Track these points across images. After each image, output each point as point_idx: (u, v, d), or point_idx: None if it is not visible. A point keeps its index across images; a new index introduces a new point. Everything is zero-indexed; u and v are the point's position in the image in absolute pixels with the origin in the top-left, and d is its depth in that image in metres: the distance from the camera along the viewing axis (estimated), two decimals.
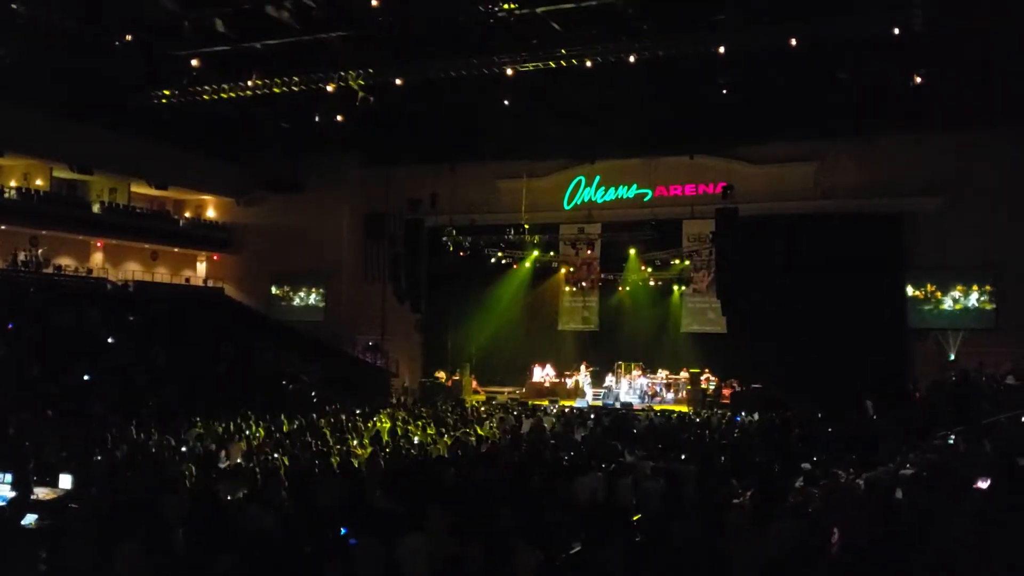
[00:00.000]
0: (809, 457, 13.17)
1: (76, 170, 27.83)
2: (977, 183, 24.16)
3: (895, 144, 24.93)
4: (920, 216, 25.24)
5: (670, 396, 27.13)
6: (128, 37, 20.93)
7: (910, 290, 25.61)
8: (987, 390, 19.52)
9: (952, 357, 24.62)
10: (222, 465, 13.29)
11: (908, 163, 24.93)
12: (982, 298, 24.97)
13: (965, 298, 25.17)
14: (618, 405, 25.38)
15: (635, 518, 9.68)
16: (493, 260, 29.07)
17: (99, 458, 12.89)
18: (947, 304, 25.43)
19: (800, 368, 24.09)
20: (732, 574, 7.04)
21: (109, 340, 23.38)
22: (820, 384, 22.71)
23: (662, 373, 27.95)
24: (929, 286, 25.56)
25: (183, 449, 14.35)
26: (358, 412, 20.56)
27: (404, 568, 7.33)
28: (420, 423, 18.69)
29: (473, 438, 16.55)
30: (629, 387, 27.33)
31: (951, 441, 14.04)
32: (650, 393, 27.16)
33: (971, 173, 24.24)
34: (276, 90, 22.87)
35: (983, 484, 8.96)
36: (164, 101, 23.79)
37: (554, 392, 27.68)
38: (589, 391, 27.15)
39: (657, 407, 25.19)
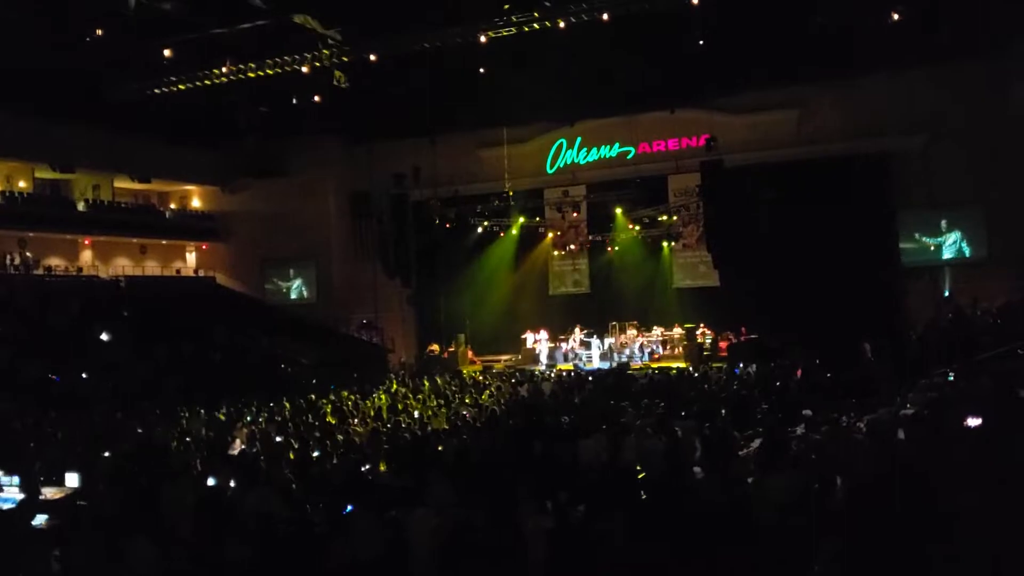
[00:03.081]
0: (809, 404, 13.24)
1: (58, 169, 27.57)
2: (960, 118, 24.04)
3: (876, 85, 24.77)
4: (906, 155, 25.16)
5: (639, 351, 27.08)
6: (98, 31, 20.68)
7: (900, 229, 25.63)
8: (983, 325, 19.58)
9: (946, 294, 24.70)
10: (227, 453, 13.32)
11: (891, 103, 24.73)
12: (972, 233, 25.02)
13: (955, 234, 25.23)
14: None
15: (639, 476, 9.73)
16: (480, 229, 29.10)
17: (106, 454, 12.89)
18: (938, 241, 25.50)
19: (796, 316, 23.98)
20: (741, 525, 7.10)
21: (103, 337, 23.31)
22: (817, 330, 22.72)
23: (657, 330, 28.01)
24: (919, 225, 25.61)
25: (187, 439, 14.38)
26: (357, 390, 20.62)
27: (412, 541, 7.39)
28: (420, 397, 18.76)
29: (473, 408, 16.61)
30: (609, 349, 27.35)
31: (950, 378, 14.10)
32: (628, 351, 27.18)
33: (954, 109, 24.11)
34: (251, 75, 22.67)
35: (974, 422, 8.99)
36: (140, 94, 23.56)
37: (551, 357, 27.78)
38: (596, 352, 27.19)
39: (655, 364, 25.34)
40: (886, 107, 24.80)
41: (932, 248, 25.62)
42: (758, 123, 26.67)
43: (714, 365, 23.26)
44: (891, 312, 24.65)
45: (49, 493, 10.52)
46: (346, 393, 19.90)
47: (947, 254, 25.46)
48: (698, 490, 8.02)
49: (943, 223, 25.33)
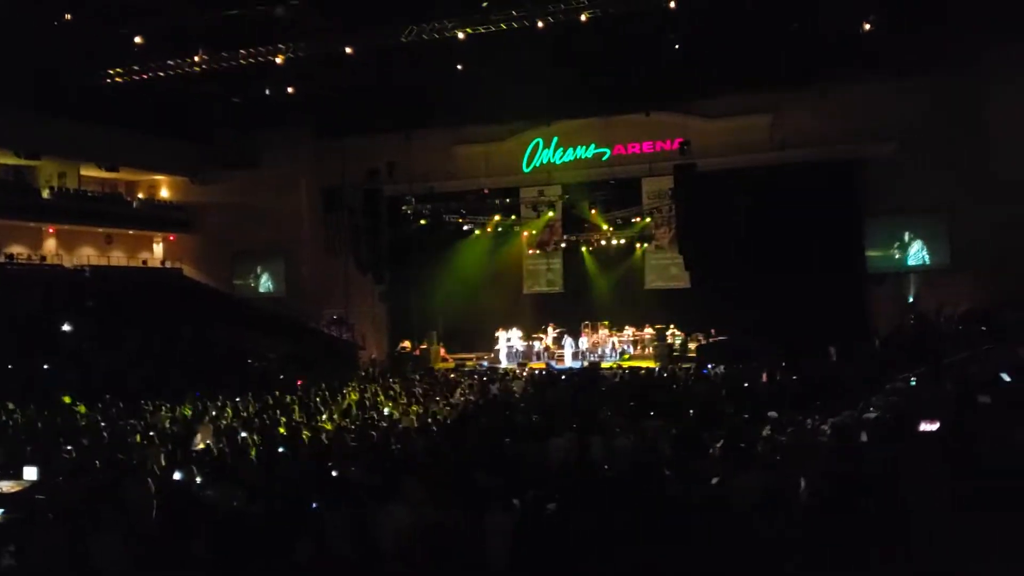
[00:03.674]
0: (775, 405, 13.34)
1: (23, 156, 27.11)
2: (930, 127, 24.32)
3: (848, 92, 25.04)
4: (876, 162, 25.41)
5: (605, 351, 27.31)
6: (67, 16, 20.38)
7: (867, 235, 25.91)
8: (946, 331, 19.88)
9: (911, 300, 25.02)
10: (191, 448, 13.16)
11: (862, 110, 25.03)
12: (935, 240, 25.36)
13: (920, 241, 25.57)
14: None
15: (608, 476, 9.75)
16: (454, 227, 29.03)
17: (68, 447, 12.69)
18: (904, 248, 25.82)
19: (764, 318, 24.22)
20: (703, 526, 7.14)
21: (64, 327, 22.95)
22: (784, 333, 22.93)
23: (629, 330, 28.13)
24: (884, 231, 25.91)
25: (151, 434, 14.19)
26: (326, 387, 20.45)
27: (382, 539, 7.35)
28: (391, 394, 18.68)
29: (444, 406, 16.57)
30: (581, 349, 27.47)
31: (913, 383, 14.30)
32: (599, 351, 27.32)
33: (924, 117, 24.37)
34: (224, 64, 22.45)
35: (929, 427, 9.08)
36: (110, 81, 23.25)
37: (526, 356, 27.82)
38: (568, 351, 27.32)
39: (625, 363, 25.46)
40: (857, 115, 25.08)
41: (896, 255, 25.95)
42: (731, 128, 26.80)
43: (683, 366, 23.42)
44: (857, 317, 24.93)
45: (6, 487, 10.34)
46: (314, 390, 19.74)
47: (911, 261, 25.80)
48: (667, 489, 8.05)
49: (906, 232, 25.68)
